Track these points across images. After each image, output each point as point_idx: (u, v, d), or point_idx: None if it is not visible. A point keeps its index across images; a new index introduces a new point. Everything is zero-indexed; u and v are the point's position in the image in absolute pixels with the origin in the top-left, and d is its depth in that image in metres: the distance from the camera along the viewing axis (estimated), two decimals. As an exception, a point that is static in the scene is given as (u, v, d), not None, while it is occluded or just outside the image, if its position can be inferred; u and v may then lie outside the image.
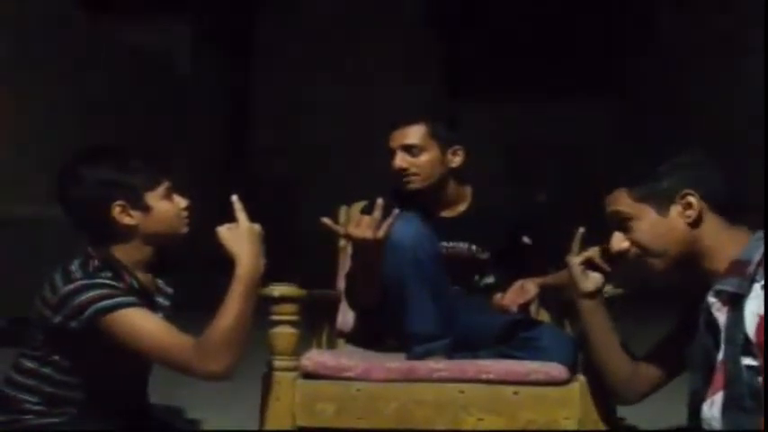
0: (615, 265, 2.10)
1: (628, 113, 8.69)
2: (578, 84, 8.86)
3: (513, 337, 2.47)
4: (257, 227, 2.03)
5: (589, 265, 2.13)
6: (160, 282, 2.19)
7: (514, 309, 2.48)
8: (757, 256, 1.82)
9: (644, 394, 2.16)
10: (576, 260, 2.14)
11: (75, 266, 2.01)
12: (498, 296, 2.53)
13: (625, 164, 1.96)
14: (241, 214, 2.03)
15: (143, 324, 1.95)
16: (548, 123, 8.68)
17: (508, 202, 2.72)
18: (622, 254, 1.97)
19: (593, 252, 2.12)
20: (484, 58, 8.85)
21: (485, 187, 2.74)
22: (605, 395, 2.24)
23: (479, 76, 8.82)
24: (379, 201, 2.37)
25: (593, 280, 2.14)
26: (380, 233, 2.35)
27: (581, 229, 2.17)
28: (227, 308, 1.95)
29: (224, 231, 2.02)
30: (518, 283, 2.51)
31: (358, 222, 2.39)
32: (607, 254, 2.05)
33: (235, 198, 2.05)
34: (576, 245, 2.16)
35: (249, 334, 1.97)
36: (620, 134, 8.30)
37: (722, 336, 1.83)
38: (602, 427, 2.25)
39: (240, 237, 2.00)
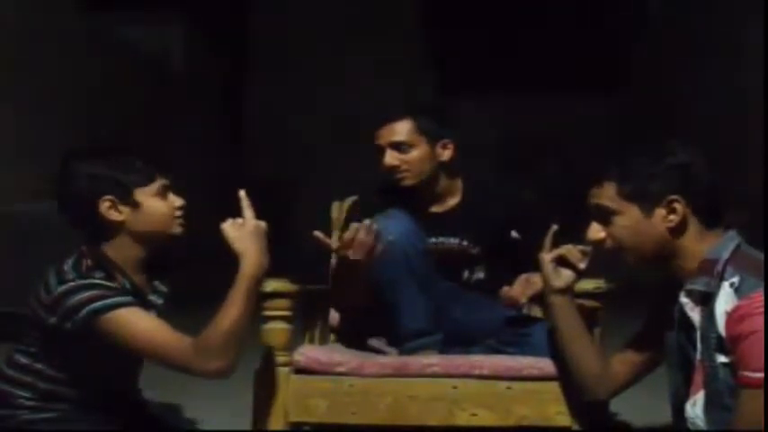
0: (588, 261, 2.11)
1: (625, 109, 8.69)
2: (576, 80, 8.87)
3: (506, 332, 2.47)
4: (263, 224, 2.01)
5: (561, 262, 2.14)
6: (156, 282, 2.18)
7: (523, 300, 2.48)
8: (725, 254, 1.83)
9: (615, 391, 2.16)
10: (547, 257, 2.14)
11: (68, 266, 2.00)
12: (506, 289, 2.52)
13: (617, 158, 1.95)
14: (248, 211, 2.01)
15: (138, 324, 1.95)
16: (546, 118, 8.70)
17: (499, 197, 2.69)
18: (597, 244, 1.98)
19: (566, 249, 2.13)
20: (481, 54, 8.86)
21: (481, 182, 2.72)
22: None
23: (477, 72, 8.83)
24: (366, 221, 2.31)
25: (563, 277, 2.14)
26: (373, 256, 2.31)
27: (554, 226, 2.18)
28: (230, 305, 1.93)
29: (229, 228, 1.99)
30: (523, 276, 2.50)
31: (349, 244, 2.33)
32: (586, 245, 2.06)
33: (242, 194, 2.02)
34: (548, 241, 2.16)
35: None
36: (617, 130, 8.30)
37: (698, 335, 1.83)
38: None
39: (246, 234, 1.98)
